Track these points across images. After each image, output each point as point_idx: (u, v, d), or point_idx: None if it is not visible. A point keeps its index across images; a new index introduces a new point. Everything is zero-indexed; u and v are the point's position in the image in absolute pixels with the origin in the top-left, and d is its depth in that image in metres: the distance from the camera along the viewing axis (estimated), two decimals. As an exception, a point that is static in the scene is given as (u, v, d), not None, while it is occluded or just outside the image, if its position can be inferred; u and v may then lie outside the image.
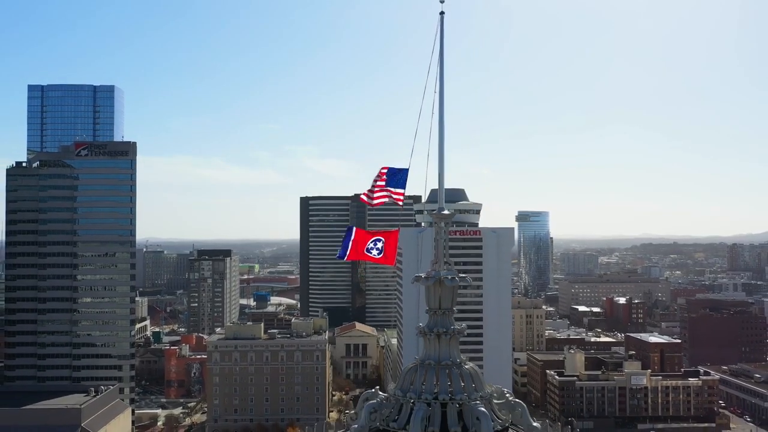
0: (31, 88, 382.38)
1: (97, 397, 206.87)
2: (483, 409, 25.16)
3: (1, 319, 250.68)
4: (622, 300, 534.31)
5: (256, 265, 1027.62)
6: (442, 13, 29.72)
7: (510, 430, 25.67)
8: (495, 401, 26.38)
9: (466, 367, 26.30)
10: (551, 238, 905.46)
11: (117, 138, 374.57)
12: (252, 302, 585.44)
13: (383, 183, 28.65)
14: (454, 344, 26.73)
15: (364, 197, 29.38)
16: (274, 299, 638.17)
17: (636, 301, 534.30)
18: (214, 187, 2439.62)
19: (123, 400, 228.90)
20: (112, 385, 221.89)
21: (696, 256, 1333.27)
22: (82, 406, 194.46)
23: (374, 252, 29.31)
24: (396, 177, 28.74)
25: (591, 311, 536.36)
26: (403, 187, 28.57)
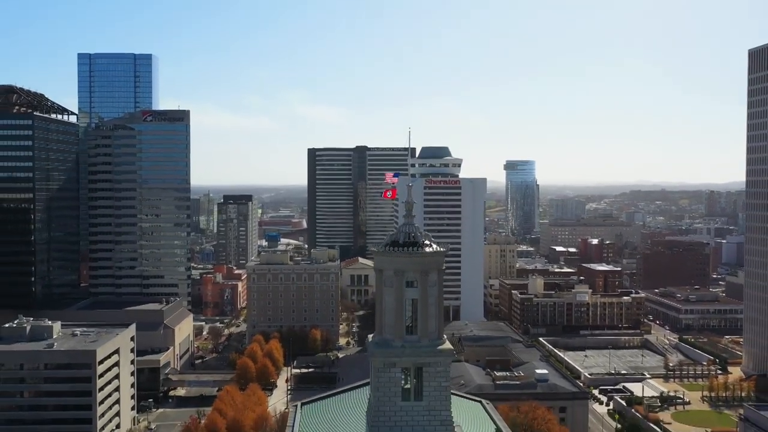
0: (81, 56, 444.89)
1: (169, 305, 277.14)
2: (419, 234, 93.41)
3: (87, 250, 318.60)
4: (594, 241, 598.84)
5: (259, 210, 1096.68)
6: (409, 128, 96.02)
7: (425, 240, 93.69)
8: (425, 234, 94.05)
9: (416, 225, 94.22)
10: (537, 185, 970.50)
11: (155, 101, 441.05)
12: (264, 242, 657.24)
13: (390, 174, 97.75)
14: (413, 219, 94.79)
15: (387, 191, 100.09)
16: (283, 240, 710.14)
17: (607, 242, 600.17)
18: (207, 132, 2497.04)
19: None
20: (177, 299, 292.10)
21: (680, 203, 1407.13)
22: (163, 310, 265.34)
23: (389, 195, 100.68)
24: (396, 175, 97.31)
25: (567, 251, 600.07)
26: (397, 177, 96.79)
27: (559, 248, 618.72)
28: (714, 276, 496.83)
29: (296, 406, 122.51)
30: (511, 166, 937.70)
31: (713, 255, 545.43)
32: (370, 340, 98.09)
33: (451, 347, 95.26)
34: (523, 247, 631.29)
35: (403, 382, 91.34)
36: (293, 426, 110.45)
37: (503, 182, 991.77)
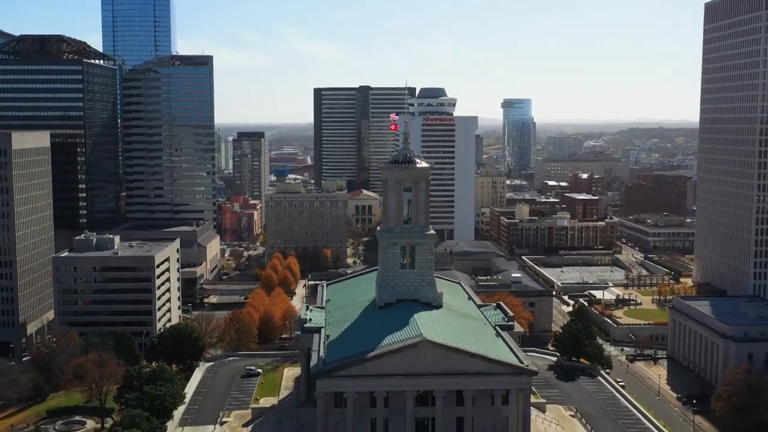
0: (104, 1, 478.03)
1: (200, 227, 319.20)
2: (413, 155, 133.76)
3: (123, 179, 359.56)
4: (584, 176, 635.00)
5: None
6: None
7: (417, 159, 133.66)
8: (418, 155, 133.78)
9: (411, 149, 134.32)
10: (534, 123, 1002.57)
11: (173, 45, 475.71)
12: (273, 177, 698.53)
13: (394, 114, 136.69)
14: (410, 147, 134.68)
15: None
16: (290, 176, 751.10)
17: (597, 176, 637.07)
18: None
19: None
20: (205, 222, 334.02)
21: (677, 140, 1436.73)
22: (196, 230, 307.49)
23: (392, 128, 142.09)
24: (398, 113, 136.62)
25: (559, 185, 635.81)
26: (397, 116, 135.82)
27: (551, 182, 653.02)
28: (694, 208, 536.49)
29: (323, 285, 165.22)
30: (508, 105, 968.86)
31: (694, 188, 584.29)
32: (378, 229, 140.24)
33: (434, 233, 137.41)
34: (518, 182, 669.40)
35: (401, 258, 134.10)
36: (323, 294, 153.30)
37: (501, 120, 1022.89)
